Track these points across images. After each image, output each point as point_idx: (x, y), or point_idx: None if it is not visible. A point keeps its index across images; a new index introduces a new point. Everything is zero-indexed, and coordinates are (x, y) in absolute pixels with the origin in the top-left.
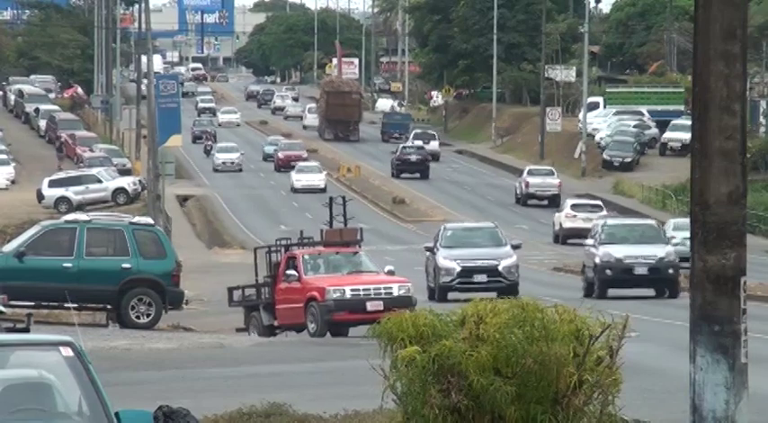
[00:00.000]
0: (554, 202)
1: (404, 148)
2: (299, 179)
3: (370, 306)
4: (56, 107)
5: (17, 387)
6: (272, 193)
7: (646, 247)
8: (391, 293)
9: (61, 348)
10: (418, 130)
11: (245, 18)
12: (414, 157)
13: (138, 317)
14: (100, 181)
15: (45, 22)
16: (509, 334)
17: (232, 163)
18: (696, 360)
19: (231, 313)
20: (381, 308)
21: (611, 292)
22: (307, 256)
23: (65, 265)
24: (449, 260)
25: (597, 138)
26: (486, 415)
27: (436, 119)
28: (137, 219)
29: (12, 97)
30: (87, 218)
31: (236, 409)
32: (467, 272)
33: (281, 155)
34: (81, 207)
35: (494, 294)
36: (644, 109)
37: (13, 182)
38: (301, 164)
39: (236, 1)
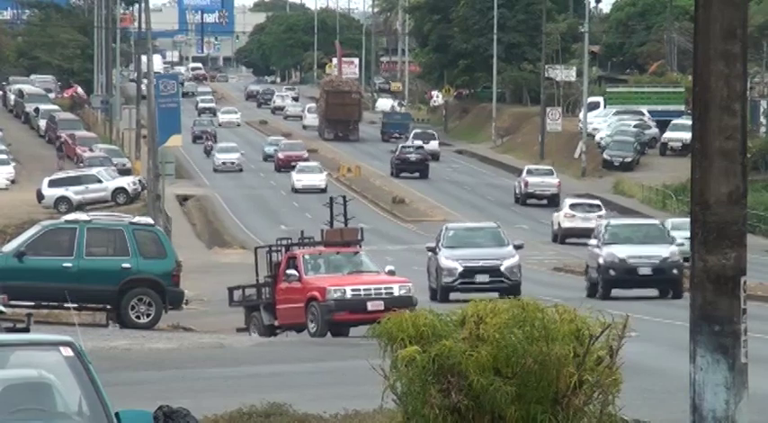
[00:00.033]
0: (553, 201)
1: (403, 147)
2: (299, 179)
3: (370, 306)
4: (56, 107)
5: (17, 387)
6: (272, 193)
7: (650, 247)
8: (392, 293)
9: (61, 348)
10: (418, 130)
11: (245, 18)
12: (413, 157)
13: (138, 317)
14: (100, 181)
15: (45, 21)
16: (509, 334)
17: (232, 163)
18: (696, 360)
19: (231, 313)
20: (382, 308)
21: (615, 292)
22: (307, 256)
23: (65, 265)
24: (451, 260)
25: (597, 138)
26: (486, 415)
27: (436, 119)
28: (137, 219)
29: (12, 97)
30: (87, 218)
31: (236, 409)
32: (469, 272)
33: (281, 155)
34: (81, 207)
35: (496, 295)
36: (644, 109)
37: (13, 182)
38: (302, 164)
39: (236, 1)
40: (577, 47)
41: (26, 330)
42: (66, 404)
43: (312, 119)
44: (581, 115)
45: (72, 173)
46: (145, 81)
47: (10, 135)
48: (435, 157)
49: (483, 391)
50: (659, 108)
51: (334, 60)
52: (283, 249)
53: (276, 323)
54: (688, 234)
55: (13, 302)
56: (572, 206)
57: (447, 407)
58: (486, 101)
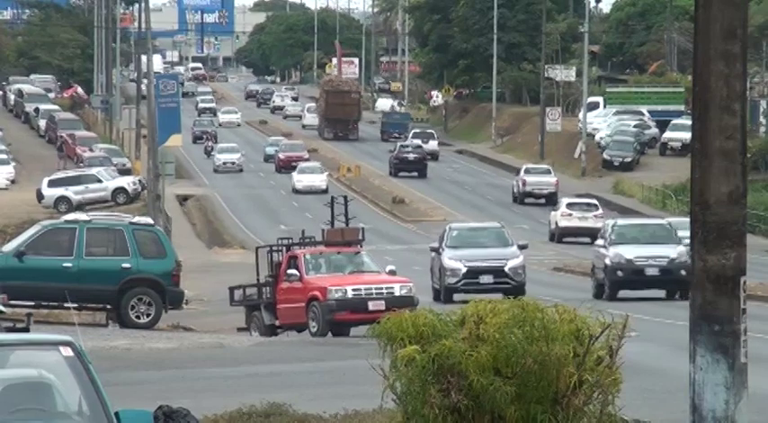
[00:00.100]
0: (551, 200)
1: (402, 146)
2: (300, 180)
3: (371, 306)
4: (56, 107)
5: (17, 387)
6: (271, 193)
7: (657, 247)
8: (393, 293)
9: (61, 348)
10: (417, 130)
11: (245, 18)
12: (412, 156)
13: (137, 317)
14: (100, 181)
15: (45, 21)
16: (509, 334)
17: (233, 163)
18: (696, 360)
19: (231, 313)
20: (383, 308)
21: (622, 293)
22: (308, 256)
23: (65, 264)
24: (454, 261)
25: (597, 138)
26: (486, 415)
27: (436, 119)
28: (137, 219)
29: (12, 97)
30: (87, 218)
31: (236, 409)
32: (473, 273)
33: (281, 156)
34: (81, 207)
35: (500, 296)
36: (644, 109)
37: (12, 182)
38: (303, 164)
39: (236, 1)
40: (577, 47)
41: (26, 330)
42: (66, 404)
43: (311, 118)
44: (581, 115)
45: (72, 173)
46: (145, 81)
47: (10, 135)
48: (434, 156)
49: (483, 391)
50: (659, 108)
51: (334, 60)
52: (284, 249)
53: (277, 323)
54: (686, 234)
55: (13, 302)
56: (569, 205)
57: (447, 407)
58: (486, 101)
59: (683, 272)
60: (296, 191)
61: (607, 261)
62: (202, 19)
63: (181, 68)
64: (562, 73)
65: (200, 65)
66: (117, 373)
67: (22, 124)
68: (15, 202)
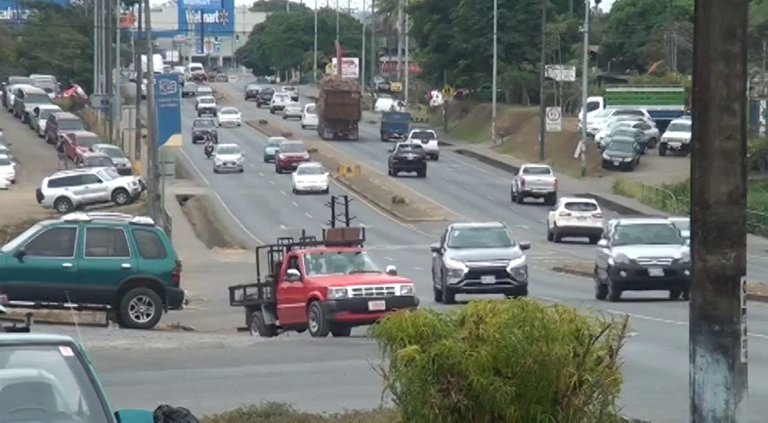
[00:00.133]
0: (550, 199)
1: (401, 146)
2: (300, 180)
3: (372, 306)
4: (56, 107)
5: (17, 387)
6: (271, 193)
7: (661, 247)
8: (393, 293)
9: (61, 348)
10: (417, 130)
11: (244, 18)
12: (411, 156)
13: (137, 317)
14: (100, 181)
15: (45, 21)
16: (509, 334)
17: (233, 164)
18: (696, 360)
19: (231, 313)
20: (383, 308)
21: (625, 294)
22: (309, 256)
23: (65, 264)
24: (456, 261)
25: (597, 137)
26: (486, 415)
27: (436, 118)
28: (137, 219)
29: (12, 97)
30: (87, 218)
31: (236, 409)
32: (474, 273)
33: (282, 156)
34: (81, 207)
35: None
36: (644, 109)
37: (12, 182)
38: (303, 165)
39: (236, 1)
40: (577, 47)
41: (26, 330)
42: (66, 404)
43: (311, 118)
44: (581, 115)
45: (72, 173)
46: (145, 81)
47: (10, 135)
48: (434, 156)
49: (483, 391)
50: (659, 108)
51: (334, 60)
52: (285, 249)
53: (277, 323)
54: (686, 233)
55: (13, 302)
56: (567, 205)
57: (447, 407)
58: (486, 101)
59: (687, 272)
60: (296, 191)
61: (610, 261)
62: (202, 19)
63: (181, 68)
64: (562, 73)
65: (200, 65)
66: (117, 373)
67: (22, 124)
68: (15, 202)
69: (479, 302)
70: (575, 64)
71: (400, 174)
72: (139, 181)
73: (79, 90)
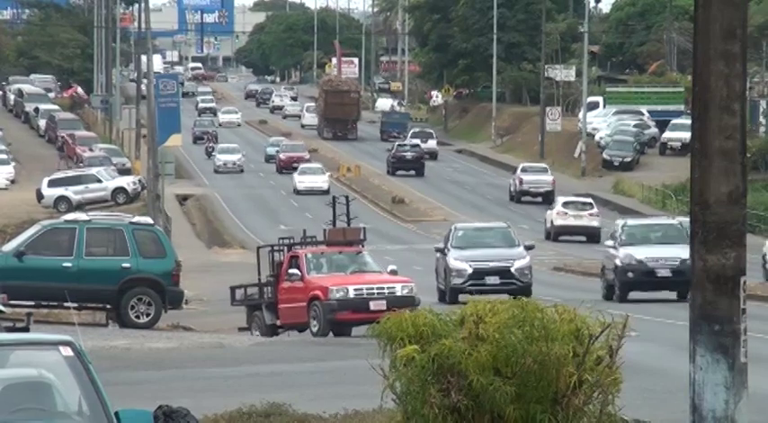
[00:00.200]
0: (547, 198)
1: (399, 145)
2: (301, 181)
3: (373, 305)
4: (56, 107)
5: (17, 387)
6: (271, 193)
7: (668, 247)
8: (394, 293)
9: (61, 348)
10: (416, 129)
11: (244, 17)
12: (409, 155)
13: (137, 316)
14: (99, 180)
15: (45, 21)
16: (509, 334)
17: (234, 164)
18: (696, 360)
19: (231, 313)
20: (384, 307)
21: (632, 294)
22: (310, 256)
23: (64, 264)
24: (460, 261)
25: (597, 137)
26: (486, 415)
27: (436, 118)
28: (136, 218)
29: (11, 97)
30: (87, 217)
31: (236, 409)
32: (479, 273)
33: (282, 156)
34: (80, 207)
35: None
36: (644, 109)
37: (12, 181)
38: (304, 165)
39: (236, 0)
40: (577, 47)
41: (26, 330)
42: (65, 404)
43: (311, 118)
44: (580, 115)
45: (72, 173)
46: (145, 81)
47: (10, 135)
48: (433, 155)
49: (483, 391)
50: (659, 108)
51: (334, 60)
52: (286, 249)
53: (278, 323)
54: None
55: (12, 302)
56: (565, 204)
57: (447, 406)
58: (486, 100)
59: None
60: (297, 192)
61: (617, 262)
62: (202, 19)
63: (181, 68)
64: (562, 73)
65: (200, 65)
66: (117, 372)
67: (22, 124)
68: (15, 202)
69: (479, 302)
70: (575, 64)
71: (399, 173)
72: (139, 181)
73: (79, 90)
